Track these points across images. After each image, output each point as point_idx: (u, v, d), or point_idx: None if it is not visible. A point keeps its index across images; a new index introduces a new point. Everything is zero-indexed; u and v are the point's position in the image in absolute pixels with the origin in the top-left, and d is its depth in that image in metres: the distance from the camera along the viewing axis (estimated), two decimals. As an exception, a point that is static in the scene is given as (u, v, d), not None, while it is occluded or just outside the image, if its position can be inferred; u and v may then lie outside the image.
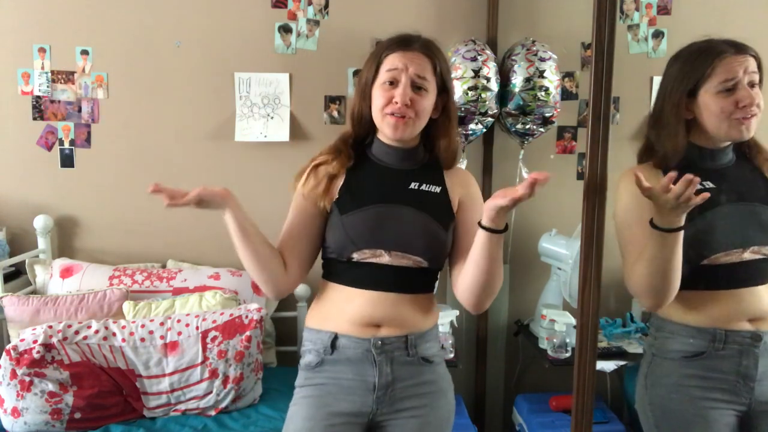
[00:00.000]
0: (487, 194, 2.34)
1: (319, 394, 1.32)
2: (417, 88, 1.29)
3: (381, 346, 1.30)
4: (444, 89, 1.35)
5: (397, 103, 1.28)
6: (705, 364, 1.39)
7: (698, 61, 1.37)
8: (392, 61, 1.30)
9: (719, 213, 1.36)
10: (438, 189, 1.36)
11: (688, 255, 1.36)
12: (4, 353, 1.69)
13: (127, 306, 1.97)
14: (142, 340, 1.79)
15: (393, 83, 1.29)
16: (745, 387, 1.37)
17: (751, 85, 1.35)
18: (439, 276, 1.39)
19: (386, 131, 1.32)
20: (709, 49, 1.37)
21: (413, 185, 1.34)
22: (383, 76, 1.30)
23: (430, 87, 1.31)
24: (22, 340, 1.71)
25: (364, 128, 1.38)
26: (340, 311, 1.32)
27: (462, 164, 2.21)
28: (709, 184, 1.38)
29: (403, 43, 1.31)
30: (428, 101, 1.31)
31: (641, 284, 1.35)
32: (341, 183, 1.34)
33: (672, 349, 1.43)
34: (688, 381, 1.40)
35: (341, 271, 1.34)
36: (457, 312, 2.22)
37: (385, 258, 1.29)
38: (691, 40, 1.43)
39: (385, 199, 1.32)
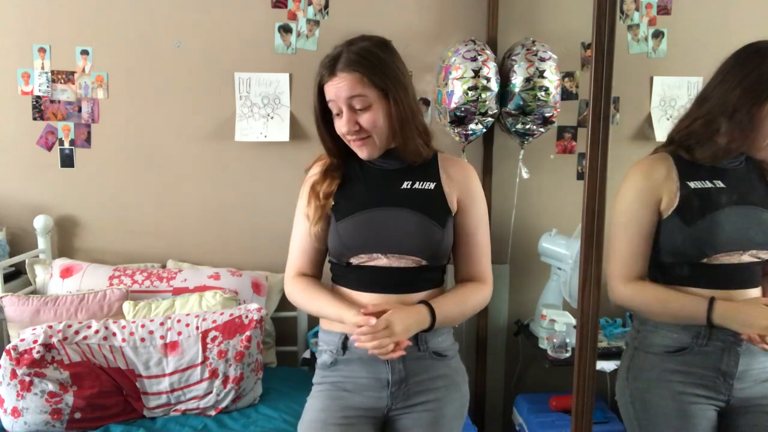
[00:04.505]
0: (487, 195, 2.35)
1: (335, 389, 1.34)
2: (357, 108, 1.25)
3: None
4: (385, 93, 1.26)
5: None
6: (687, 359, 1.40)
7: None
8: (328, 92, 1.27)
9: (726, 213, 1.36)
10: (432, 185, 1.34)
11: (689, 252, 1.37)
12: (4, 353, 1.69)
13: (127, 306, 1.97)
14: (142, 340, 1.79)
15: (338, 113, 1.28)
16: (725, 384, 1.38)
17: None
18: (447, 270, 1.39)
19: (358, 154, 1.32)
20: None
21: (406, 184, 1.33)
22: (329, 106, 1.29)
23: (371, 99, 1.25)
24: (22, 340, 1.71)
25: (339, 149, 1.36)
26: None
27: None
28: (719, 183, 1.38)
29: (329, 68, 1.26)
30: (376, 113, 1.26)
31: (635, 302, 1.43)
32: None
33: (655, 343, 1.44)
34: (670, 376, 1.41)
35: (343, 274, 1.35)
36: (457, 312, 2.22)
37: (382, 260, 1.29)
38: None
39: (378, 203, 1.31)
